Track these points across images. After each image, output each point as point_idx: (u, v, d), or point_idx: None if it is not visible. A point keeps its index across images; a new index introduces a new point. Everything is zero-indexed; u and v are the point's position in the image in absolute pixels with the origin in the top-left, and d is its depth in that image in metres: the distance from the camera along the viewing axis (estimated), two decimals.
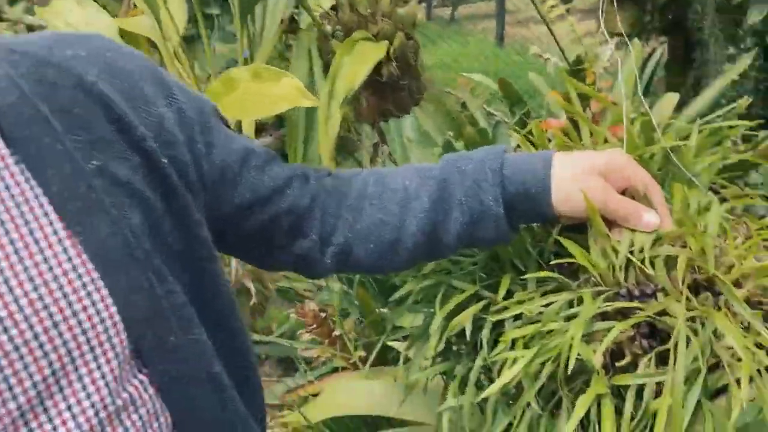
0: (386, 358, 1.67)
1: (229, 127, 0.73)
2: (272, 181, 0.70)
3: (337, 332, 1.73)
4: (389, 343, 1.50)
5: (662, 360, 0.67)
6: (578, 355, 0.62)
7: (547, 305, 0.69)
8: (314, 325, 1.70)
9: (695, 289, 0.67)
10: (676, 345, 0.63)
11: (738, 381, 0.61)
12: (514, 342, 0.70)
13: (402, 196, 0.72)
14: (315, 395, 1.81)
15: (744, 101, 1.44)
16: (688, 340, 0.61)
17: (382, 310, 1.75)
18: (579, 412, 0.61)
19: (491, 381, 0.72)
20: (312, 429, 1.70)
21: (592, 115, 1.23)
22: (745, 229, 0.74)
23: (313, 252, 0.74)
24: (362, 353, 1.74)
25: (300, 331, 1.83)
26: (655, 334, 0.67)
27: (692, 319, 0.63)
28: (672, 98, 1.62)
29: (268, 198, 0.70)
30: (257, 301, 2.06)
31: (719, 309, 0.65)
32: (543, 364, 0.67)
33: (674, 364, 0.60)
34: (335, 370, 1.86)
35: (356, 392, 1.62)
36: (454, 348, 0.81)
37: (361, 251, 0.74)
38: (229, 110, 0.81)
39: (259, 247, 0.75)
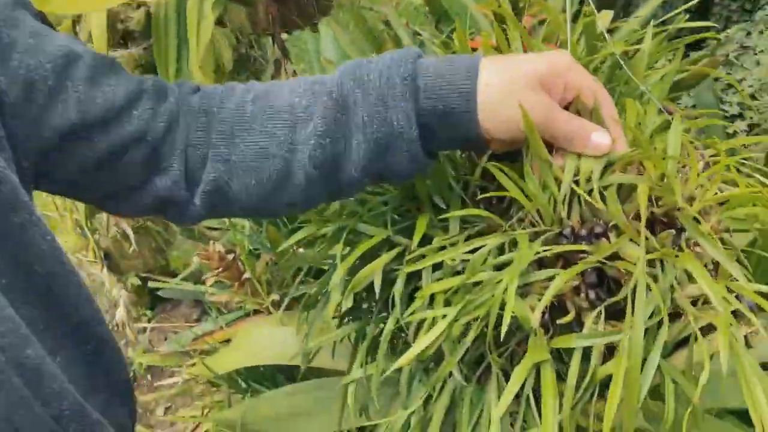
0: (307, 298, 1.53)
1: (52, 27, 0.54)
2: (109, 97, 0.52)
3: (247, 275, 1.57)
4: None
5: (612, 315, 0.55)
6: (512, 313, 0.49)
7: (473, 251, 0.55)
8: (220, 268, 1.53)
9: (650, 226, 0.54)
10: (632, 296, 0.51)
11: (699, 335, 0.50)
12: (433, 298, 0.56)
13: (289, 118, 0.56)
14: (228, 341, 1.67)
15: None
16: (648, 290, 0.49)
17: (296, 250, 1.59)
18: (514, 385, 0.49)
19: (407, 345, 0.58)
20: (223, 379, 1.57)
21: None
22: (700, 156, 0.62)
23: (177, 192, 0.57)
24: (276, 297, 1.60)
25: (207, 274, 1.66)
26: (604, 283, 0.55)
27: (650, 264, 0.51)
28: (607, 15, 1.49)
29: (103, 121, 0.52)
30: (158, 242, 1.87)
31: (680, 250, 0.53)
32: (468, 324, 0.53)
33: (631, 319, 0.47)
34: (248, 315, 1.71)
35: (270, 339, 1.48)
36: (365, 306, 0.67)
37: (240, 190, 0.57)
38: (53, 5, 0.61)
39: (105, 187, 0.57)
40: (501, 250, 0.57)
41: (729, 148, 0.62)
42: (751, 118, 1.65)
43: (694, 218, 0.53)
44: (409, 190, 0.64)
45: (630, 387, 0.47)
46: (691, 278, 0.53)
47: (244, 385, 1.57)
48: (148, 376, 2.22)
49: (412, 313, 0.57)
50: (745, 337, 0.59)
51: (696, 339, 0.53)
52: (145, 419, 2.09)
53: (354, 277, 0.59)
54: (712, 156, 0.60)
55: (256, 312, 1.67)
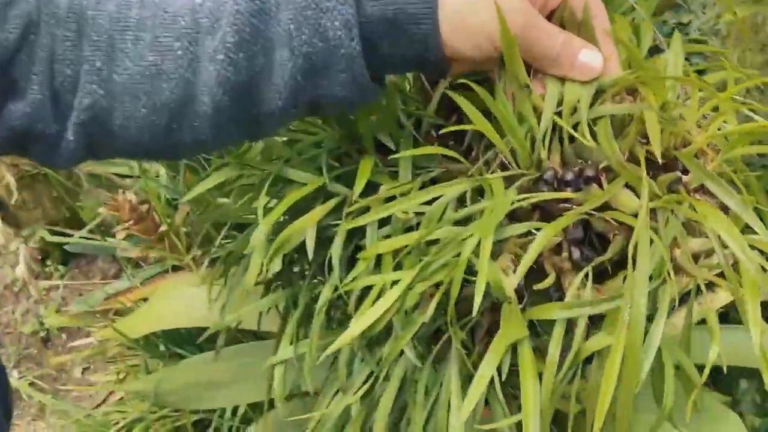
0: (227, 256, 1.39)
1: None
2: None
3: (163, 228, 1.42)
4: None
5: (597, 277, 0.46)
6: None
7: (430, 202, 0.43)
8: (132, 220, 1.37)
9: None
10: (623, 254, 0.41)
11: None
12: (380, 260, 0.45)
13: (189, 25, 0.42)
14: (145, 300, 1.52)
15: None
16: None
17: (219, 199, 1.44)
18: (487, 370, 0.38)
19: (347, 317, 0.47)
20: (138, 343, 1.43)
21: None
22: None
23: (41, 123, 0.43)
24: (198, 252, 1.45)
25: (117, 227, 1.49)
26: (587, 239, 0.45)
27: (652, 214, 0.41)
28: None
29: None
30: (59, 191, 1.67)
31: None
32: (424, 292, 0.43)
33: (633, 282, 0.38)
34: (167, 272, 1.56)
35: (190, 300, 1.35)
36: (296, 269, 0.55)
37: (125, 121, 0.43)
38: None
39: None
40: (462, 200, 0.46)
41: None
42: (698, 63, 1.59)
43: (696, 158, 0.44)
44: (349, 127, 0.52)
45: (629, 367, 0.38)
46: (690, 232, 0.44)
47: (162, 348, 1.43)
48: (63, 335, 2.05)
49: (353, 279, 0.45)
50: None
51: (691, 305, 0.45)
52: (60, 380, 1.93)
53: (280, 235, 0.47)
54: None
55: (175, 269, 1.52)
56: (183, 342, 1.43)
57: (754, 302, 0.35)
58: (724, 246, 0.41)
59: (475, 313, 0.36)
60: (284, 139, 0.54)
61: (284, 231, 0.47)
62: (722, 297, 0.53)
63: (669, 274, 0.42)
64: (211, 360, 1.01)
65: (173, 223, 1.45)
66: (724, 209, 0.44)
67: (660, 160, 0.44)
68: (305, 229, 0.48)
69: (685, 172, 0.44)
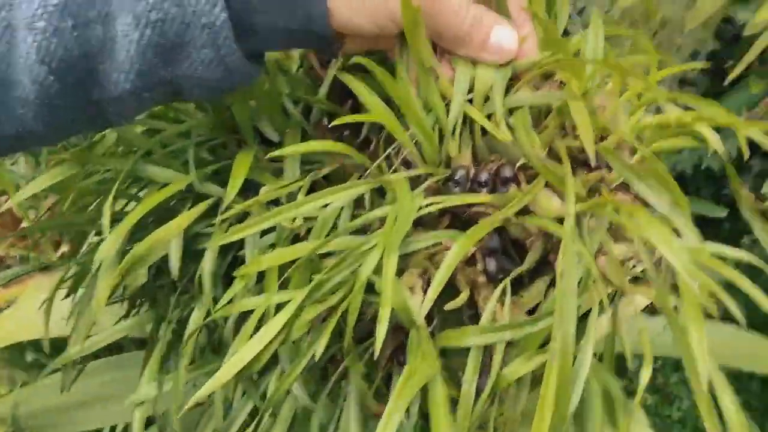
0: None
1: None
2: None
3: (25, 223, 1.26)
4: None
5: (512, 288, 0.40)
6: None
7: (324, 207, 0.36)
8: None
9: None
10: (544, 261, 0.36)
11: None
12: (262, 278, 0.37)
13: None
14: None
15: None
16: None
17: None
18: (393, 416, 0.32)
19: (222, 347, 0.39)
20: (2, 353, 1.26)
21: None
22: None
23: None
24: (66, 249, 1.30)
25: None
26: (502, 249, 0.39)
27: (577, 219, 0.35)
28: None
29: None
30: None
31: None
32: (313, 320, 0.35)
33: (561, 302, 0.32)
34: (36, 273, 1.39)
35: (63, 304, 1.20)
36: (159, 284, 0.46)
37: None
38: None
39: None
40: (357, 204, 0.39)
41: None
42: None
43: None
44: (220, 115, 0.43)
45: (559, 396, 0.32)
46: (613, 236, 0.39)
47: (30, 359, 1.28)
48: None
49: (229, 301, 0.37)
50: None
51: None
52: None
53: (134, 249, 0.38)
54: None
55: (44, 269, 1.36)
56: (55, 351, 1.28)
57: (699, 329, 0.30)
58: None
59: (377, 352, 0.29)
60: (143, 128, 0.44)
61: (141, 243, 0.38)
62: (640, 301, 0.50)
63: (593, 284, 0.37)
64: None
65: (34, 216, 1.29)
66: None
67: (578, 155, 0.39)
68: (168, 240, 0.39)
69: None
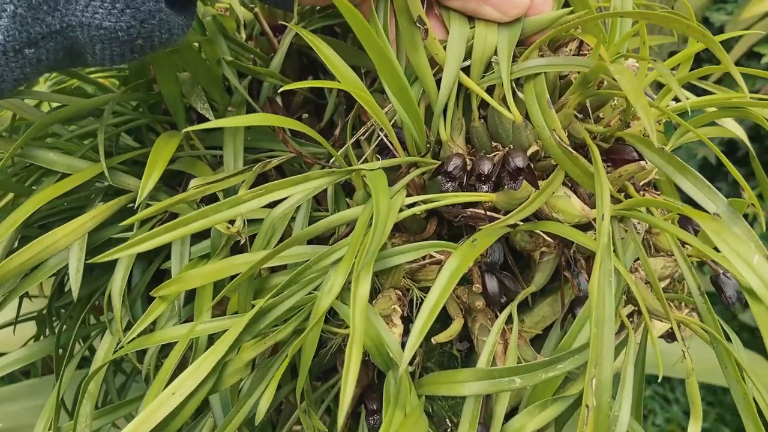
0: None
1: None
2: None
3: None
4: None
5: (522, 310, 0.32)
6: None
7: (272, 205, 0.27)
8: None
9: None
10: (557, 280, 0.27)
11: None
12: (194, 297, 0.28)
13: None
14: None
15: None
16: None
17: None
18: None
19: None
20: None
21: None
22: None
23: None
24: None
25: None
26: (502, 262, 0.30)
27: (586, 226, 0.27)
28: None
29: None
30: None
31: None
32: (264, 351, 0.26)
33: (598, 348, 0.23)
34: None
35: None
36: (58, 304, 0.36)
37: None
38: None
39: None
40: (323, 202, 0.30)
41: None
42: None
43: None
44: (144, 88, 0.34)
45: None
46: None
47: None
48: None
49: (143, 327, 0.27)
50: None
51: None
52: None
53: (19, 252, 0.28)
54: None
55: None
56: None
57: None
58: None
59: (340, 420, 0.20)
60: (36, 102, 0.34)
61: (23, 250, 0.28)
62: (658, 326, 0.42)
63: (623, 318, 0.29)
64: None
65: None
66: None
67: (601, 143, 0.31)
68: (68, 245, 0.29)
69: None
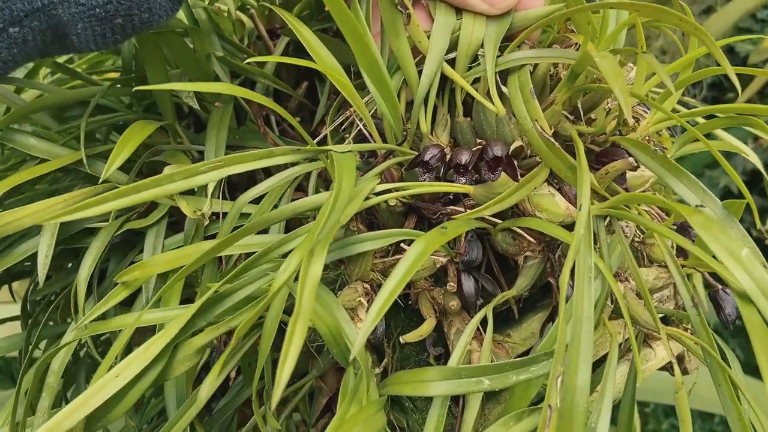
0: None
1: None
2: None
3: None
4: None
5: (502, 319, 0.30)
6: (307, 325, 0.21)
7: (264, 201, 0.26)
8: None
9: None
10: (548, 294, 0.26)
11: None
12: (148, 294, 0.26)
13: None
14: None
15: None
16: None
17: None
18: None
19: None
20: None
21: None
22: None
23: None
24: None
25: None
26: (484, 261, 0.29)
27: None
28: None
29: None
30: None
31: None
32: (221, 340, 0.25)
33: (565, 335, 0.21)
34: None
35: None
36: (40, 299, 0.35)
37: None
38: None
39: None
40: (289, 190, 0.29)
41: None
42: None
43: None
44: (136, 83, 0.33)
45: None
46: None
47: None
48: None
49: (95, 316, 0.26)
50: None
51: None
52: None
53: None
54: None
55: None
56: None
57: None
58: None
59: (274, 401, 0.18)
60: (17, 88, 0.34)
61: None
62: (661, 354, 0.39)
63: (606, 323, 0.27)
64: None
65: None
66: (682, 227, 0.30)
67: (592, 146, 0.30)
68: (38, 224, 0.29)
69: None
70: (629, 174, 0.31)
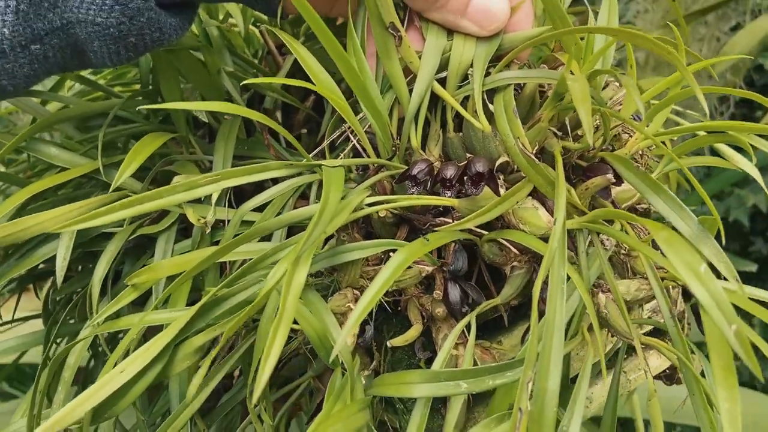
0: None
1: None
2: None
3: None
4: None
5: (487, 330, 0.31)
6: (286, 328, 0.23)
7: (265, 212, 0.28)
8: None
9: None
10: (532, 297, 0.27)
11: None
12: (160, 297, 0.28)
13: None
14: None
15: None
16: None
17: None
18: None
19: None
20: None
21: None
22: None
23: None
24: None
25: None
26: (474, 273, 0.30)
27: (571, 240, 0.27)
28: None
29: None
30: None
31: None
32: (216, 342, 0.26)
33: (535, 344, 0.23)
34: None
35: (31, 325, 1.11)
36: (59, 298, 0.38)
37: None
38: None
39: None
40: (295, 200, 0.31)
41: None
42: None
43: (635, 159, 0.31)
44: (152, 97, 0.36)
45: None
46: (617, 270, 0.30)
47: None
48: None
49: (107, 316, 0.28)
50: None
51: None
52: None
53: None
54: None
55: None
56: (27, 379, 1.19)
57: (732, 398, 0.20)
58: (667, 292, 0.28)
59: (255, 396, 0.20)
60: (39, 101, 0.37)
61: (12, 222, 0.29)
62: (654, 364, 0.40)
63: (584, 333, 0.28)
64: None
65: None
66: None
67: (579, 162, 0.31)
68: (57, 229, 0.31)
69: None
70: (620, 188, 0.32)
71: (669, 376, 0.38)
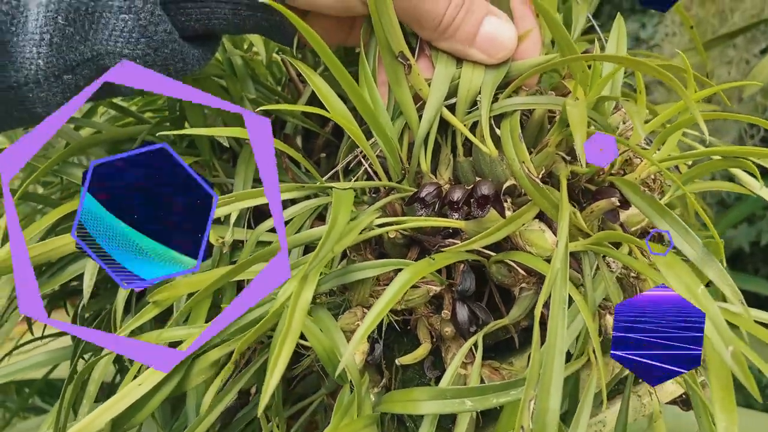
0: None
1: None
2: None
3: None
4: None
5: (497, 351, 0.32)
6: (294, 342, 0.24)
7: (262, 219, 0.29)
8: None
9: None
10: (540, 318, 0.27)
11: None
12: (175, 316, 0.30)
13: None
14: None
15: None
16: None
17: None
18: None
19: None
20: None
21: None
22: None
23: None
24: None
25: None
26: (485, 294, 0.31)
27: (577, 262, 0.27)
28: None
29: None
30: None
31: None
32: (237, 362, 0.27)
33: (538, 364, 0.23)
34: None
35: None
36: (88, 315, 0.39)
37: None
38: None
39: None
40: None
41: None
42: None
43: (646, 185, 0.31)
44: (178, 123, 0.37)
45: None
46: (627, 291, 0.31)
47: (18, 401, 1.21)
48: None
49: (132, 329, 0.30)
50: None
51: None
52: None
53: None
54: None
55: None
56: (58, 394, 1.21)
57: (730, 418, 0.21)
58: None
59: (261, 406, 0.21)
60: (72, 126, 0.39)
61: (42, 243, 0.31)
62: (669, 389, 0.40)
63: (594, 354, 0.28)
64: None
65: None
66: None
67: (589, 185, 0.31)
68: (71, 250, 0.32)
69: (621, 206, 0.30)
70: (629, 212, 0.32)
71: (685, 402, 0.38)
